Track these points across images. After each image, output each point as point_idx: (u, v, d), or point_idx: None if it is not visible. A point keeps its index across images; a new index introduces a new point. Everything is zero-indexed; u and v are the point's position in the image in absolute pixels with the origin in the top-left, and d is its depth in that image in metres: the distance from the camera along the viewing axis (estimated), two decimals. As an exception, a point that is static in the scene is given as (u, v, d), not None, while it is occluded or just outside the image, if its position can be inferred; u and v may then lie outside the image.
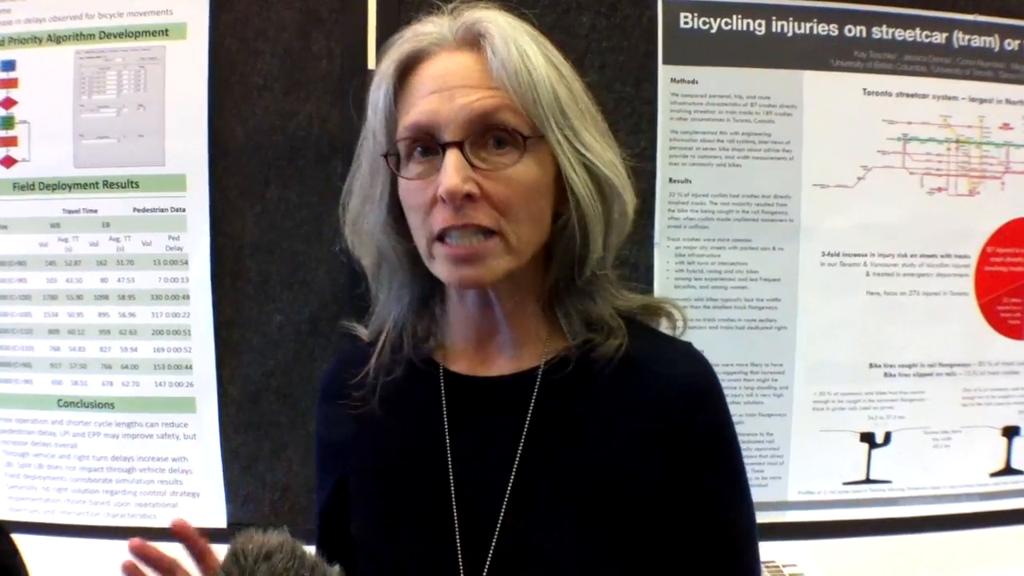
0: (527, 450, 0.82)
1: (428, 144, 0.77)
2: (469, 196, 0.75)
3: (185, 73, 1.35)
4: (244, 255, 1.41)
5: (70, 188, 1.37)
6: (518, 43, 0.77)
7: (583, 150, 0.79)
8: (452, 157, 0.75)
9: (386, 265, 0.88)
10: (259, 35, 1.38)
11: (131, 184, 1.37)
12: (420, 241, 0.80)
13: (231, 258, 1.40)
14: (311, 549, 0.75)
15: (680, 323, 0.90)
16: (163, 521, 1.37)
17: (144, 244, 1.37)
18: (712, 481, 0.83)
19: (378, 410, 0.87)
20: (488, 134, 0.76)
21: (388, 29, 1.33)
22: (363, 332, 0.94)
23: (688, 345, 0.88)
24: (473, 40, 0.78)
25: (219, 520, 1.40)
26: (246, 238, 1.40)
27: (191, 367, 1.39)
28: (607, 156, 0.81)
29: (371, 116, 0.83)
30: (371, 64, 1.39)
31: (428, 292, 0.88)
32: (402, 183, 0.80)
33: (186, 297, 1.38)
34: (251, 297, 1.41)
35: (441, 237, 0.77)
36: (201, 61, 1.35)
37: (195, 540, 0.77)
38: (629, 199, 0.83)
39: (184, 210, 1.37)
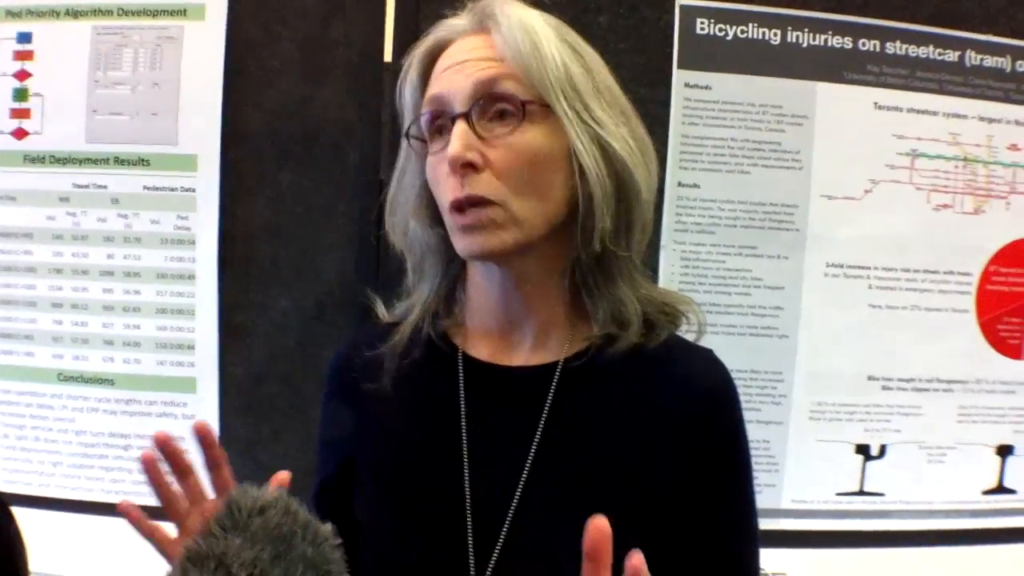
0: (543, 443, 0.82)
1: (444, 122, 0.80)
2: (472, 165, 0.77)
3: (201, 54, 1.34)
4: (253, 238, 1.40)
5: (81, 163, 1.36)
6: (526, 21, 0.79)
7: (593, 124, 0.79)
8: (457, 127, 0.77)
9: (417, 250, 0.89)
10: (277, 20, 1.38)
11: (142, 162, 1.36)
12: (444, 216, 0.82)
13: (240, 240, 1.39)
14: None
15: (696, 327, 0.90)
16: (157, 499, 1.36)
17: (152, 222, 1.37)
18: (726, 486, 0.84)
19: (393, 390, 0.87)
20: (494, 105, 0.78)
21: (406, 18, 1.36)
22: (383, 310, 0.94)
23: (710, 352, 0.89)
24: (484, 23, 0.81)
25: (214, 502, 1.38)
26: (256, 221, 1.40)
27: (193, 347, 1.38)
28: (620, 132, 0.80)
29: (401, 103, 0.86)
30: (388, 54, 1.38)
31: (455, 279, 0.90)
32: (428, 161, 0.82)
33: (191, 277, 1.37)
34: (258, 280, 1.40)
35: (455, 210, 0.78)
36: (218, 43, 1.34)
37: (213, 447, 0.79)
38: (643, 178, 0.82)
39: (194, 190, 1.36)
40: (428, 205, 0.86)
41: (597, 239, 0.79)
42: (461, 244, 0.80)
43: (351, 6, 1.38)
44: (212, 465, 0.79)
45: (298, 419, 1.42)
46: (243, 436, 1.41)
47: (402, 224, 0.89)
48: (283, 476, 0.78)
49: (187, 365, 1.38)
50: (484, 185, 0.77)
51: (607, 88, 0.82)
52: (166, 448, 0.78)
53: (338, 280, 1.41)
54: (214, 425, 1.38)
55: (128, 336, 1.38)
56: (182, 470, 0.79)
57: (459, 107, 0.78)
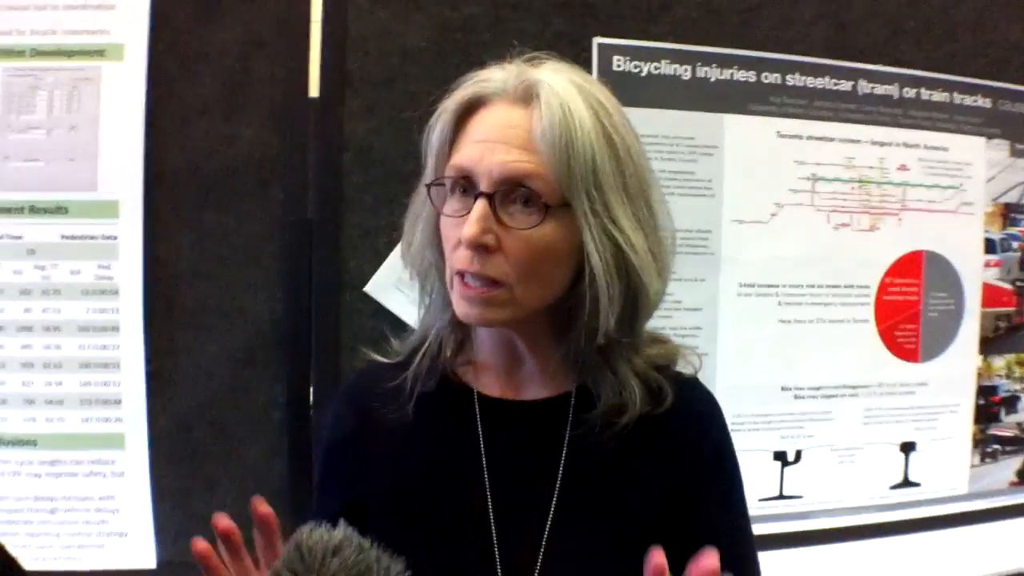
0: (567, 473, 0.87)
1: (467, 187, 0.82)
2: (485, 247, 0.80)
3: (121, 95, 1.32)
4: (179, 283, 1.38)
5: (-7, 213, 1.31)
6: (569, 110, 0.80)
7: (611, 227, 0.81)
8: (479, 207, 0.80)
9: (430, 279, 0.92)
10: (199, 58, 1.37)
11: (60, 209, 1.32)
12: (447, 271, 0.85)
13: (165, 286, 1.37)
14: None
15: (694, 367, 0.96)
16: (87, 564, 1.34)
17: (72, 273, 1.33)
18: (722, 494, 0.91)
19: (410, 423, 0.90)
20: (518, 192, 0.80)
21: (331, 55, 1.36)
22: (381, 359, 0.97)
23: (696, 380, 0.96)
24: (528, 98, 0.82)
25: (148, 560, 1.36)
26: (181, 265, 1.38)
27: (120, 401, 1.35)
28: (635, 238, 0.82)
29: (427, 147, 0.88)
30: (312, 91, 1.39)
31: None
32: (442, 218, 0.85)
33: (116, 329, 1.34)
34: (185, 327, 1.39)
35: (460, 274, 0.82)
36: (138, 83, 1.32)
37: (275, 533, 0.74)
38: (651, 283, 0.84)
39: (116, 237, 1.34)
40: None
41: (601, 336, 0.83)
42: (459, 309, 0.84)
43: (273, 42, 1.39)
44: (267, 544, 0.75)
45: (232, 467, 1.40)
46: (176, 487, 1.39)
47: (419, 254, 0.91)
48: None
49: (114, 420, 1.35)
50: (494, 267, 0.80)
51: (635, 175, 0.83)
52: (227, 535, 0.73)
53: (268, 321, 1.41)
54: (144, 480, 1.34)
55: (50, 394, 1.33)
56: (235, 551, 0.75)
57: (484, 186, 0.80)
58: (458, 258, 0.81)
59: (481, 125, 0.83)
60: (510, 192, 0.80)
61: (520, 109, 0.81)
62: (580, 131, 0.79)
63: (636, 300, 0.84)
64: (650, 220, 0.85)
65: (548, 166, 0.79)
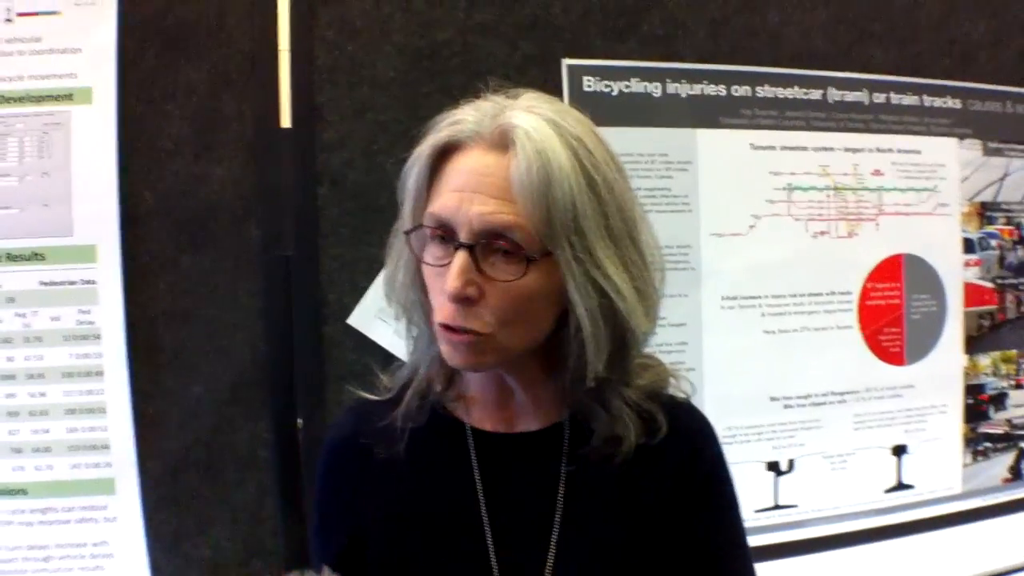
0: (568, 500, 0.87)
1: (446, 235, 0.82)
2: (468, 298, 0.79)
3: (92, 138, 1.32)
4: (159, 325, 1.38)
5: (-31, 263, 1.32)
6: (546, 156, 0.77)
7: (595, 272, 0.80)
8: (459, 260, 0.79)
9: (415, 317, 0.91)
10: (168, 98, 1.37)
11: (36, 256, 1.32)
12: (433, 316, 0.85)
13: (145, 329, 1.37)
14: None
15: (686, 393, 0.97)
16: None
17: (52, 319, 1.32)
18: (718, 510, 0.92)
19: (403, 460, 0.90)
20: (499, 242, 0.79)
21: (301, 89, 1.35)
22: (371, 396, 0.97)
23: (689, 403, 0.96)
24: (503, 144, 0.80)
25: (144, 604, 1.34)
26: (160, 308, 1.38)
27: (108, 447, 1.34)
28: (621, 281, 0.81)
29: (403, 192, 0.86)
30: (284, 123, 1.40)
31: None
32: (423, 266, 0.85)
33: (100, 373, 1.34)
34: (168, 369, 1.38)
35: (444, 326, 0.82)
36: (108, 126, 1.32)
37: None
38: (640, 325, 0.83)
39: (95, 282, 1.33)
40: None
41: (591, 380, 0.83)
42: (445, 353, 0.84)
43: (241, 79, 1.39)
44: None
45: (223, 507, 1.40)
46: (168, 532, 1.39)
47: (402, 293, 0.90)
48: None
49: (103, 465, 1.34)
50: (477, 319, 0.80)
51: (618, 214, 0.81)
52: None
53: (251, 358, 1.40)
54: (137, 524, 1.34)
55: (37, 442, 1.32)
56: None
57: (463, 236, 0.79)
58: (441, 311, 0.81)
59: (457, 173, 0.81)
60: (491, 243, 0.79)
61: (496, 155, 0.79)
62: (558, 178, 0.77)
63: (624, 342, 0.83)
64: (636, 257, 0.83)
65: (527, 216, 0.77)
